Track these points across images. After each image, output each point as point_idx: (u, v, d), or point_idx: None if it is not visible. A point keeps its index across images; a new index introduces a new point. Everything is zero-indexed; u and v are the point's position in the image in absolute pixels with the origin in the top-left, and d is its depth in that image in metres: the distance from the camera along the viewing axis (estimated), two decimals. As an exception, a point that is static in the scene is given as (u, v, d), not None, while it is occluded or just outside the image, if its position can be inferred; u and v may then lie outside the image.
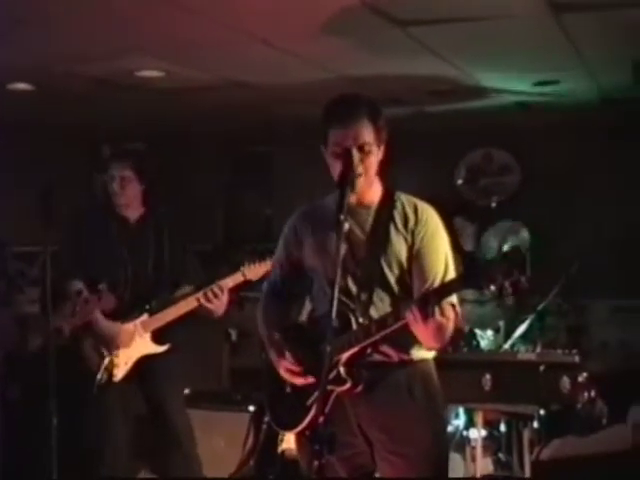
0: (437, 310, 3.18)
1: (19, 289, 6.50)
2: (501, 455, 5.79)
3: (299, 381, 3.46)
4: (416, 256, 3.45)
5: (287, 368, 3.49)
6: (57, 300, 4.62)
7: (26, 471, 5.76)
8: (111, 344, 4.81)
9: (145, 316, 4.86)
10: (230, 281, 4.84)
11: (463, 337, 5.93)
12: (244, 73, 6.09)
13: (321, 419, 2.99)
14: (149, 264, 4.93)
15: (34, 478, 5.60)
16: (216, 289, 4.77)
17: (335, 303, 3.05)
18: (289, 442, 5.16)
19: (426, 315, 3.16)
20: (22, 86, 6.35)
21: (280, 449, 5.41)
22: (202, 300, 4.77)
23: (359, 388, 3.39)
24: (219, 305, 4.81)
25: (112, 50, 5.30)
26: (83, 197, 7.35)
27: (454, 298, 3.33)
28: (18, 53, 5.32)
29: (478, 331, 6.22)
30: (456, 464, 5.47)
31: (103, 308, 4.71)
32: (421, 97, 6.99)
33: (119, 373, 4.83)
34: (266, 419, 5.55)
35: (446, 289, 3.26)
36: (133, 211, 5.01)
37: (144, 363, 4.88)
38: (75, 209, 5.25)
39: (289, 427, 3.59)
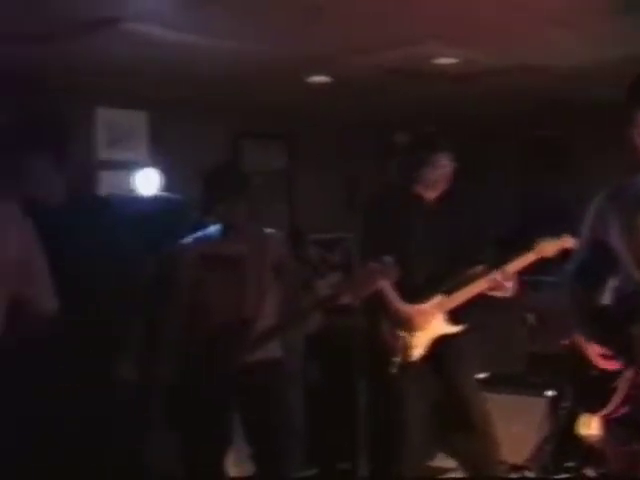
0: None
1: (320, 275, 6.71)
2: None
3: (609, 365, 3.39)
4: None
5: (597, 352, 3.43)
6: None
7: (331, 449, 5.95)
8: (408, 326, 4.87)
9: (440, 297, 4.88)
10: (521, 261, 4.80)
11: None
12: (538, 56, 6.02)
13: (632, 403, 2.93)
14: (445, 245, 4.94)
15: (339, 456, 5.79)
16: (506, 272, 4.76)
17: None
18: (589, 427, 5.06)
19: None
20: (321, 79, 6.57)
21: (580, 435, 5.32)
22: (493, 283, 4.77)
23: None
24: (508, 288, 4.79)
25: (409, 38, 5.38)
26: (379, 184, 7.52)
27: None
28: (317, 45, 5.51)
29: None
30: None
31: (387, 278, 4.68)
32: None
33: (415, 353, 4.89)
34: (564, 404, 5.49)
35: None
36: (431, 191, 5.02)
37: (439, 343, 4.91)
38: (371, 195, 5.33)
39: (595, 410, 3.52)
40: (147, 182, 6.51)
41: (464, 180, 4.96)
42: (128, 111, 7.26)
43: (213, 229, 4.56)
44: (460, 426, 5.02)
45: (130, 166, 6.78)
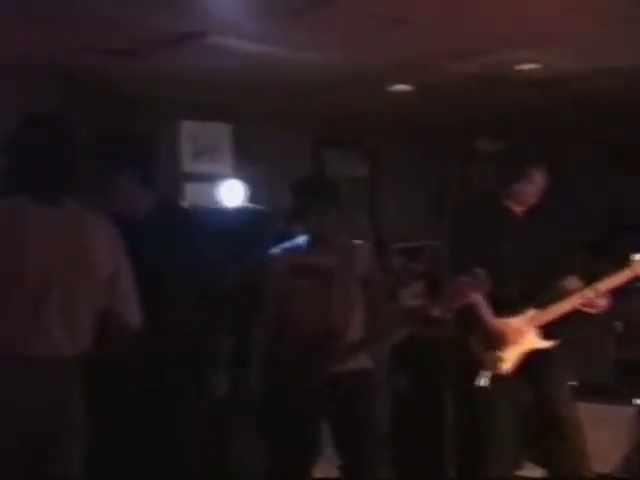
0: None
1: (404, 284, 6.71)
2: None
3: None
4: None
5: None
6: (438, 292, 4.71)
7: (418, 458, 5.94)
8: (499, 340, 4.83)
9: (532, 311, 4.83)
10: (616, 279, 4.75)
11: None
12: (620, 59, 5.96)
13: None
14: (534, 257, 4.90)
15: (426, 466, 5.78)
16: (599, 290, 4.72)
17: None
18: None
19: None
20: (402, 87, 6.59)
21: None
22: (586, 300, 4.73)
23: None
24: (600, 306, 4.76)
25: (492, 45, 5.38)
26: (466, 193, 7.52)
27: None
28: (399, 54, 5.53)
29: None
30: None
31: (479, 291, 4.64)
32: None
33: (506, 367, 4.85)
34: (655, 414, 5.42)
35: None
36: (521, 206, 4.90)
37: (531, 356, 4.87)
38: (459, 206, 5.31)
39: None
40: (231, 194, 6.58)
41: (551, 188, 4.91)
42: (212, 123, 7.36)
43: (301, 240, 4.56)
44: (551, 436, 4.97)
45: (214, 178, 6.86)
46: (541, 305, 4.79)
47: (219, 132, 7.39)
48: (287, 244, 4.57)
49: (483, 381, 4.74)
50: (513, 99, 7.11)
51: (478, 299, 4.69)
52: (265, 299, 4.48)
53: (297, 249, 4.54)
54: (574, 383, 5.77)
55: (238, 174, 6.94)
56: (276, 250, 4.56)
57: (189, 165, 7.27)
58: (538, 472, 5.66)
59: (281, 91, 6.55)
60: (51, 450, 3.29)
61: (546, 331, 4.82)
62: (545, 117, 7.93)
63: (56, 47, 5.33)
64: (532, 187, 4.85)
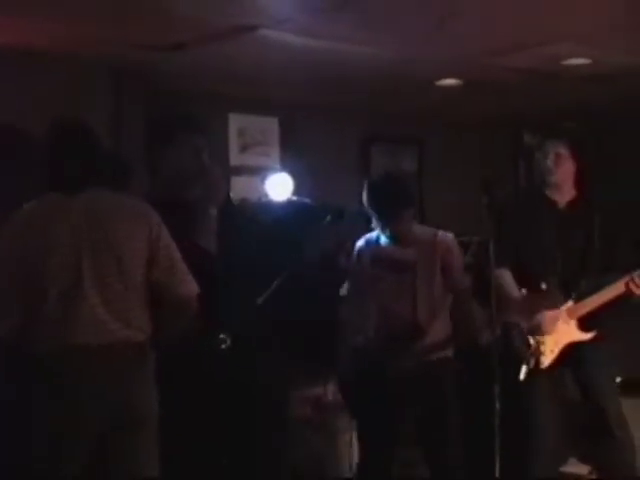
0: None
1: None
2: None
3: None
4: None
5: None
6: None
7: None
8: (538, 333, 4.83)
9: (570, 303, 4.82)
10: None
11: None
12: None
13: None
14: (577, 250, 4.88)
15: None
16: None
17: None
18: None
19: None
20: (451, 82, 6.59)
21: None
22: (631, 285, 4.67)
23: None
24: None
25: (541, 40, 5.37)
26: (512, 187, 7.49)
27: None
28: (449, 49, 5.54)
29: None
30: None
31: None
32: None
33: (546, 360, 4.82)
34: None
35: None
36: (563, 194, 4.89)
37: (573, 349, 4.86)
38: (504, 200, 5.28)
39: None
40: (279, 187, 6.60)
41: (596, 182, 4.87)
42: (260, 117, 7.40)
43: (380, 235, 4.73)
44: (596, 432, 4.94)
45: (262, 171, 6.89)
46: (581, 297, 4.77)
47: (267, 125, 7.43)
48: (371, 235, 4.69)
49: (523, 375, 4.76)
50: (562, 94, 7.08)
51: (515, 291, 4.72)
52: (349, 290, 4.59)
53: (378, 242, 4.70)
54: (619, 378, 5.75)
55: (286, 167, 6.97)
56: (360, 242, 4.76)
57: (237, 158, 7.31)
58: (583, 469, 5.65)
59: (329, 85, 6.57)
60: (118, 447, 3.35)
61: (588, 324, 4.81)
62: (595, 112, 7.88)
63: (108, 43, 5.41)
64: (553, 164, 4.79)
